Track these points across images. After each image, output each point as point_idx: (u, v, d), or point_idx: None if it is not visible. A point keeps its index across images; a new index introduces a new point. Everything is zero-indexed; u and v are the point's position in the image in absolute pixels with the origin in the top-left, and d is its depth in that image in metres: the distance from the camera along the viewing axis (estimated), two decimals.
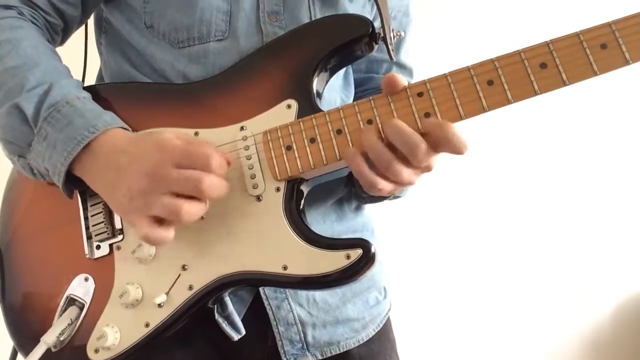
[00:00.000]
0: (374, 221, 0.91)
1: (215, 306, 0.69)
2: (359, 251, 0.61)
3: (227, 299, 0.70)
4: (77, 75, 0.75)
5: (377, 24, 0.70)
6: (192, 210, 0.59)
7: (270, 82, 0.69)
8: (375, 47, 0.71)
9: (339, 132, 0.64)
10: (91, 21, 0.86)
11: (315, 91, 0.69)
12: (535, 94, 0.58)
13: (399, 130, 0.59)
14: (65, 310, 0.68)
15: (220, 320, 0.70)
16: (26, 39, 0.69)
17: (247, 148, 0.67)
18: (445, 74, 0.61)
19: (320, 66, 0.69)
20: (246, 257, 0.64)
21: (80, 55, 0.86)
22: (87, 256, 0.70)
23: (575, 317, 2.22)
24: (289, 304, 0.76)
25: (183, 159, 0.59)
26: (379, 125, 0.62)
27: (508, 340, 2.13)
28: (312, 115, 0.65)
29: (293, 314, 0.76)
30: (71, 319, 0.66)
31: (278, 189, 0.65)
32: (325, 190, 0.78)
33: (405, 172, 0.61)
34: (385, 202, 0.84)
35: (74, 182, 0.66)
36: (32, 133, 0.65)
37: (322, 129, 0.64)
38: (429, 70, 0.85)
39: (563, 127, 2.18)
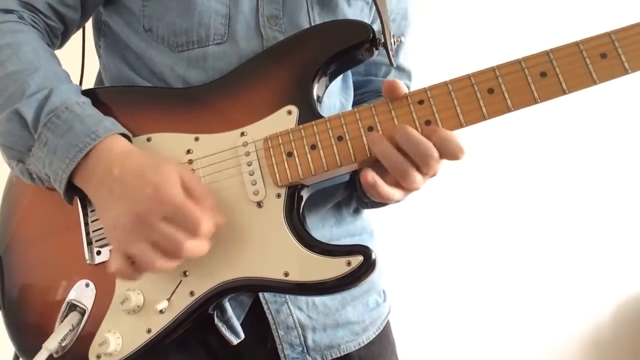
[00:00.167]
0: (372, 224, 0.91)
1: (215, 311, 0.69)
2: (360, 258, 0.61)
3: (227, 304, 0.70)
4: (74, 77, 0.75)
5: (375, 27, 0.70)
6: (163, 266, 0.59)
7: (271, 87, 0.69)
8: (376, 52, 0.71)
9: (339, 138, 0.64)
10: (89, 24, 0.86)
11: (315, 96, 0.69)
12: (536, 102, 0.58)
13: (412, 138, 0.60)
14: (66, 316, 0.68)
15: (219, 324, 0.70)
16: (26, 43, 0.69)
17: (247, 154, 0.67)
18: (445, 81, 0.61)
19: (321, 72, 0.69)
20: (247, 264, 0.64)
21: (78, 58, 0.86)
22: (88, 262, 0.70)
23: (575, 317, 2.23)
24: (289, 307, 0.76)
25: (175, 215, 0.58)
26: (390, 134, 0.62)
27: (508, 341, 2.14)
28: (313, 122, 0.65)
29: (293, 317, 0.76)
30: (73, 325, 0.66)
31: (279, 195, 0.65)
32: (324, 194, 0.78)
33: (420, 180, 0.61)
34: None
35: (74, 189, 0.66)
36: (32, 138, 0.65)
37: (323, 136, 0.64)
38: (427, 73, 0.85)
39: (562, 128, 2.18)
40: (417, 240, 2.04)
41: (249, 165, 0.66)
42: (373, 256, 0.61)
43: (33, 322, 0.71)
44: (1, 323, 0.74)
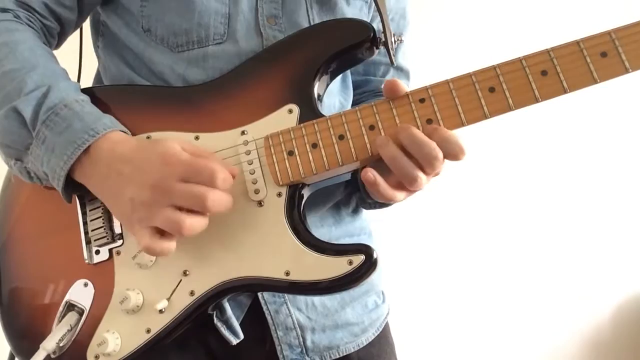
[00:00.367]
0: (372, 224, 0.91)
1: (215, 311, 0.69)
2: (362, 257, 0.61)
3: (226, 304, 0.70)
4: (72, 77, 0.75)
5: (374, 26, 0.70)
6: (194, 224, 0.58)
7: (271, 86, 0.69)
8: (376, 51, 0.71)
9: (341, 137, 0.64)
10: (86, 24, 0.85)
11: (316, 95, 0.69)
12: (537, 101, 0.58)
13: (417, 138, 0.60)
14: (64, 316, 0.67)
15: (218, 324, 0.70)
16: (23, 42, 0.69)
17: (248, 153, 0.66)
18: (447, 80, 0.61)
19: (321, 70, 0.69)
20: (248, 263, 0.64)
21: (75, 59, 0.86)
22: (86, 261, 0.69)
23: (575, 317, 2.23)
24: (288, 308, 0.76)
25: (188, 173, 0.58)
26: (394, 133, 0.61)
27: (508, 341, 2.14)
28: (314, 121, 0.65)
29: (292, 318, 0.76)
30: (71, 325, 0.66)
31: (280, 194, 0.65)
32: (323, 194, 0.78)
33: (425, 181, 0.61)
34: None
35: (73, 187, 0.66)
36: (30, 136, 0.65)
37: (324, 134, 0.64)
38: (428, 72, 0.85)
39: (562, 128, 2.18)
40: (416, 241, 2.04)
41: (249, 164, 0.66)
42: (375, 255, 0.61)
43: (30, 323, 0.71)
44: None
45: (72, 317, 0.67)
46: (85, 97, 0.69)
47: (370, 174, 0.61)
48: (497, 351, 2.12)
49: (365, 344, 0.83)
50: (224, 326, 0.71)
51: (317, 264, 0.62)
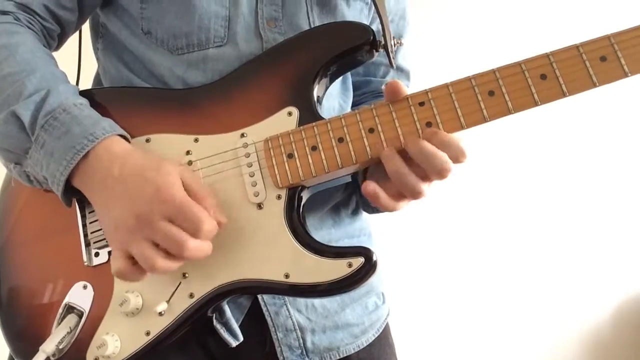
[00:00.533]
0: (371, 226, 0.91)
1: (214, 313, 0.69)
2: (361, 259, 0.61)
3: (226, 306, 0.70)
4: (71, 80, 0.75)
5: (374, 28, 0.70)
6: (165, 267, 0.59)
7: (271, 89, 0.69)
8: (376, 54, 0.71)
9: (340, 140, 0.64)
10: (86, 26, 0.85)
11: (315, 98, 0.69)
12: (536, 104, 0.58)
13: (426, 150, 0.60)
14: (63, 318, 0.67)
15: (218, 326, 0.70)
16: (23, 45, 0.69)
17: (247, 155, 0.66)
18: (446, 83, 0.61)
19: (321, 73, 0.69)
20: (247, 265, 0.64)
21: (74, 61, 0.85)
22: (86, 263, 0.69)
23: (575, 317, 2.23)
24: (288, 309, 0.76)
25: (176, 215, 0.58)
26: (401, 141, 0.62)
27: (508, 341, 2.14)
28: (314, 123, 0.65)
29: (292, 319, 0.76)
30: (70, 327, 0.66)
31: (279, 197, 0.65)
32: (322, 196, 0.78)
33: (426, 189, 0.62)
34: None
35: (72, 191, 0.66)
36: (29, 141, 0.65)
37: (323, 137, 0.64)
38: (428, 75, 0.85)
39: (561, 130, 2.18)
40: (416, 242, 2.04)
41: (249, 167, 0.66)
42: (374, 258, 0.61)
43: (29, 325, 0.71)
44: None
45: (71, 319, 0.67)
46: (84, 101, 0.68)
47: (372, 187, 0.61)
48: (497, 351, 2.12)
49: (365, 345, 0.83)
50: (224, 328, 0.71)
51: (317, 267, 0.62)
